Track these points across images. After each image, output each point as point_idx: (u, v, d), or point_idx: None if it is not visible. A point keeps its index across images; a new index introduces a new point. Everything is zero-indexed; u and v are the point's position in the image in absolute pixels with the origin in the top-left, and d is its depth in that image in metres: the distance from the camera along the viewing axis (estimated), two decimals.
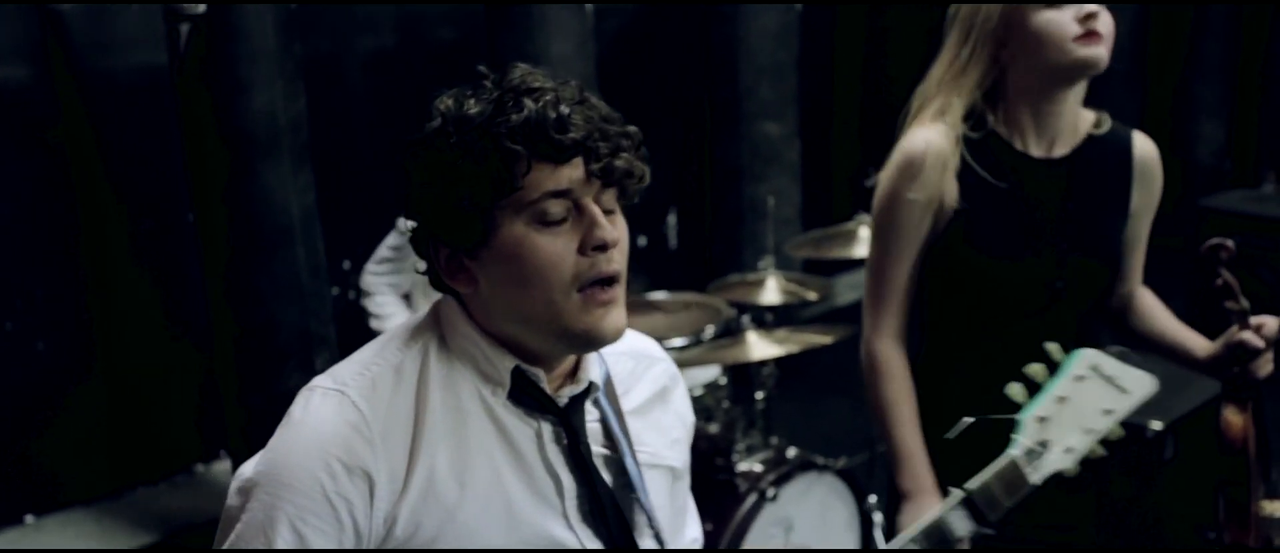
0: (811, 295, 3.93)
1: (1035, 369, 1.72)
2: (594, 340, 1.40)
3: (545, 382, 1.44)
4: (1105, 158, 2.28)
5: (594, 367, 1.49)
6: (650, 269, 6.07)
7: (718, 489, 3.50)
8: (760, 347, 3.49)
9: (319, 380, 1.42)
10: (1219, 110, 7.11)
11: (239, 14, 3.87)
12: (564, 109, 1.34)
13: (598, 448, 1.51)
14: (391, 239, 3.96)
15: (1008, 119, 2.22)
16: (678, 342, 4.18)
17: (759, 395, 3.70)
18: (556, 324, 1.38)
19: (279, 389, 4.13)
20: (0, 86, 4.42)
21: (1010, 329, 2.26)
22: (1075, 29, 2.10)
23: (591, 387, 1.48)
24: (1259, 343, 2.20)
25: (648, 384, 1.60)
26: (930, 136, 2.20)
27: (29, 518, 4.57)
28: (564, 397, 1.46)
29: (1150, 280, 2.45)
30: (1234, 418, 2.26)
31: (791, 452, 3.65)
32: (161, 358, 4.82)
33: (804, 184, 5.84)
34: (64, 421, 4.63)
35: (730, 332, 3.91)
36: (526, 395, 1.44)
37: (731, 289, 4.08)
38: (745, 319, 3.81)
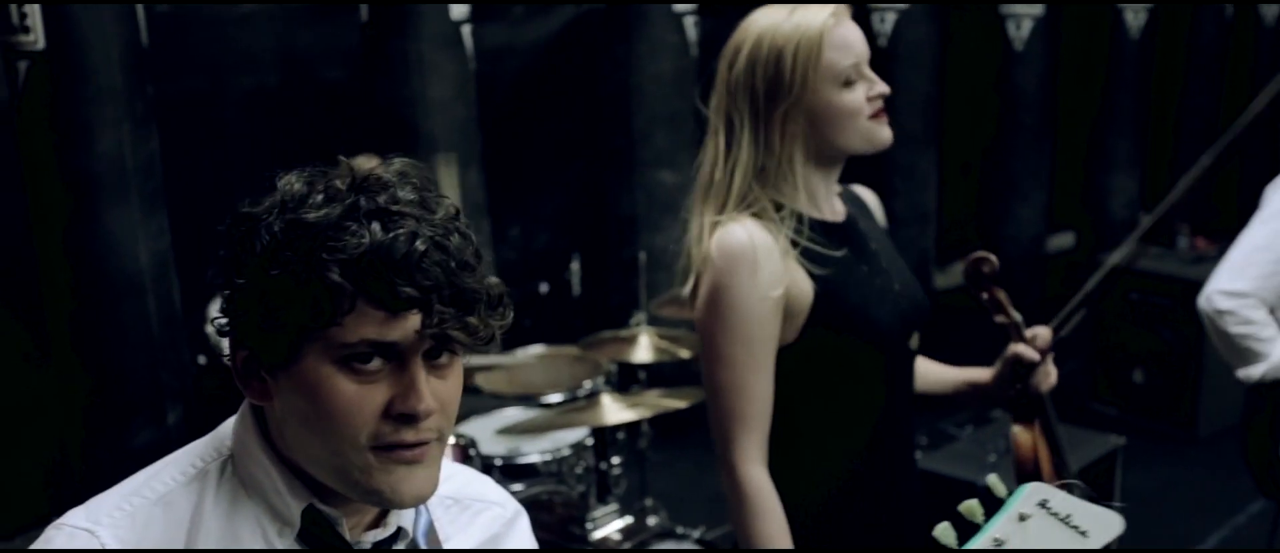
0: (685, 353, 3.79)
1: (969, 506, 1.34)
2: (386, 502, 1.20)
3: (344, 525, 1.24)
4: (858, 208, 2.23)
5: (412, 512, 1.30)
6: (554, 316, 5.91)
7: None
8: (614, 410, 3.32)
9: (70, 515, 1.22)
10: (1132, 165, 7.06)
11: (83, 52, 3.69)
12: (419, 246, 1.12)
13: None
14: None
15: (793, 191, 2.07)
16: (554, 397, 4.06)
17: (615, 460, 3.53)
18: (346, 478, 1.19)
19: (128, 445, 3.92)
20: None
21: (875, 399, 2.12)
22: (868, 109, 2.04)
23: (400, 533, 1.29)
24: (1033, 355, 2.15)
25: (475, 532, 1.41)
26: (746, 230, 2.01)
27: None
28: (367, 542, 1.26)
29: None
30: (1023, 437, 2.18)
31: (653, 520, 3.49)
32: (14, 406, 4.57)
33: None
34: None
35: (593, 392, 3.76)
36: (318, 538, 1.24)
37: (604, 346, 3.93)
38: (598, 382, 3.65)
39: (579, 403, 3.70)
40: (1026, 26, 6.36)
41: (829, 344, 2.05)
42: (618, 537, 3.36)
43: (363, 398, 1.15)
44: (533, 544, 1.51)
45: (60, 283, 3.81)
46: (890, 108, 2.11)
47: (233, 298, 1.19)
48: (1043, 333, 2.17)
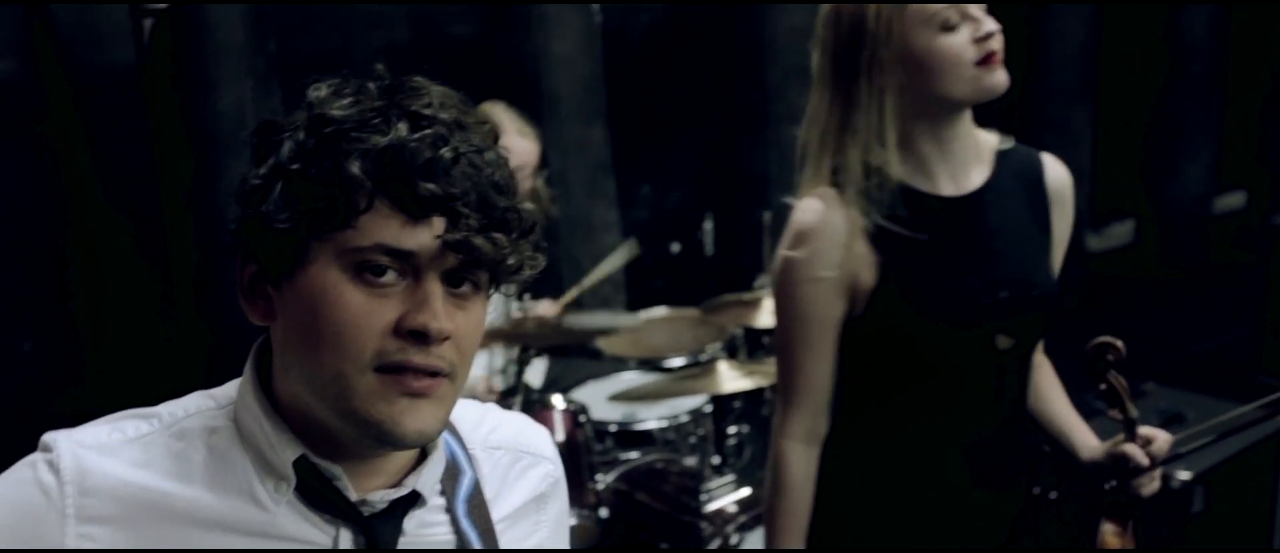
0: None
1: None
2: (384, 436, 1.07)
3: (345, 480, 1.12)
4: (1016, 183, 1.98)
5: (431, 470, 1.18)
6: (686, 276, 5.80)
7: (680, 531, 3.20)
8: (731, 377, 3.18)
9: (49, 435, 1.13)
10: None
11: (204, 9, 3.69)
12: (446, 153, 1.04)
13: None
14: None
15: (904, 159, 1.89)
16: (676, 361, 3.94)
17: (732, 430, 3.39)
18: (343, 403, 1.07)
19: None
20: None
21: (951, 396, 1.96)
22: (973, 53, 1.82)
23: (415, 496, 1.17)
24: (1143, 460, 1.91)
25: (525, 487, 1.29)
26: (822, 206, 1.88)
27: None
28: (379, 501, 1.14)
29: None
30: (1112, 539, 1.94)
31: None
32: (152, 360, 4.67)
33: None
34: (51, 424, 4.50)
35: (712, 359, 3.62)
36: (321, 496, 1.13)
37: (726, 310, 3.79)
38: (716, 348, 3.51)
39: (698, 368, 3.57)
40: None
41: (887, 328, 1.91)
42: (733, 509, 3.22)
43: (371, 310, 1.05)
44: (567, 515, 1.40)
45: (184, 239, 3.85)
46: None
47: (246, 201, 1.10)
48: (1161, 440, 1.93)
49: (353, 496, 1.13)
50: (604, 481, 3.30)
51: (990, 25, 1.83)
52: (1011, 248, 1.95)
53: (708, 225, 6.04)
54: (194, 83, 3.71)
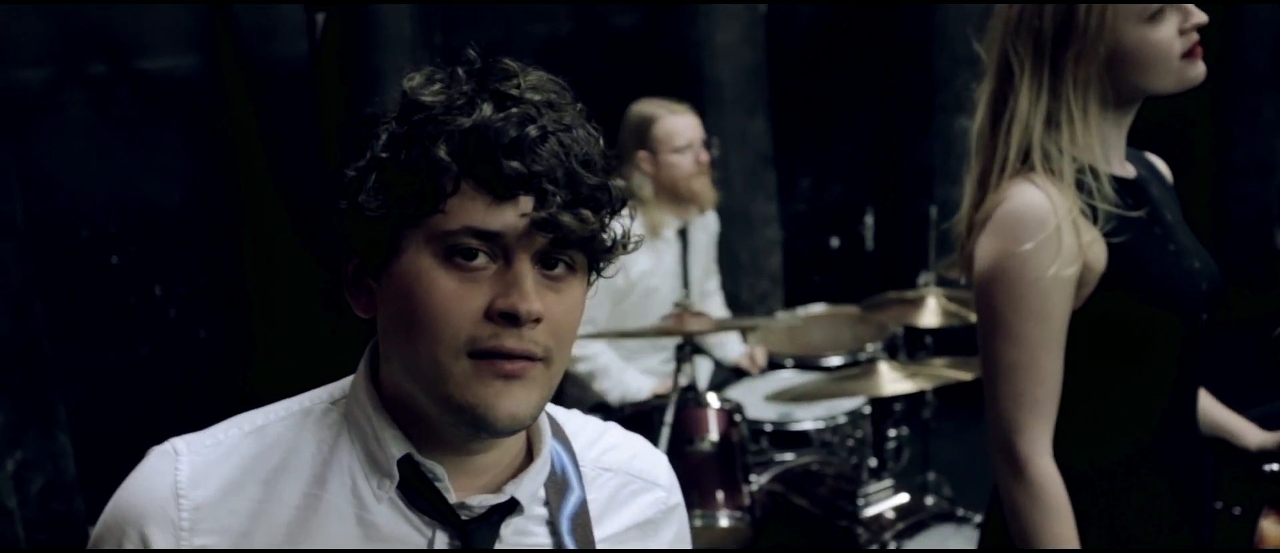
0: (976, 319, 3.49)
1: None
2: (478, 421, 1.07)
3: (446, 480, 1.13)
4: (1146, 169, 1.95)
5: (532, 479, 1.18)
6: (845, 271, 5.69)
7: (836, 536, 3.13)
8: (892, 379, 3.09)
9: (181, 436, 1.19)
10: None
11: (374, 4, 3.76)
12: (532, 130, 1.05)
13: None
14: None
15: (1087, 143, 1.83)
16: (834, 360, 3.87)
17: (893, 432, 3.29)
18: (439, 389, 1.07)
19: None
20: (172, 75, 4.47)
21: (1163, 382, 1.89)
22: (1180, 46, 1.76)
23: (513, 504, 1.17)
24: None
25: (632, 511, 1.28)
26: (1038, 193, 1.79)
27: None
28: (478, 506, 1.14)
29: None
30: (1273, 530, 1.85)
31: (931, 499, 3.24)
32: (319, 349, 4.81)
33: None
34: (224, 407, 4.67)
35: (871, 359, 3.53)
36: (422, 496, 1.14)
37: (888, 308, 3.69)
38: (876, 347, 3.41)
39: (857, 368, 3.49)
40: None
41: (1118, 312, 1.81)
42: (891, 515, 3.14)
43: (463, 296, 1.06)
44: (687, 543, 1.37)
45: None
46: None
47: (344, 194, 1.12)
48: None
49: (452, 498, 1.13)
50: (758, 482, 3.26)
51: (1199, 16, 1.76)
52: (1184, 230, 1.91)
53: (868, 220, 5.91)
54: (362, 76, 3.79)
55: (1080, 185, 1.81)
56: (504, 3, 4.83)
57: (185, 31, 4.46)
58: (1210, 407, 2.04)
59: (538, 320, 1.07)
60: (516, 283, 1.06)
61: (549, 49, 5.01)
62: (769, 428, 3.48)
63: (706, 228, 3.90)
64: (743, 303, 4.67)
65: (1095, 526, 1.88)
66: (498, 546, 1.16)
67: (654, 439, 2.96)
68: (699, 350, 3.66)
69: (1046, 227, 1.76)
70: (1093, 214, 1.79)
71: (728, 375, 3.90)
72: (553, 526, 1.20)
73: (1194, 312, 1.85)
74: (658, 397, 3.28)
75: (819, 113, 5.40)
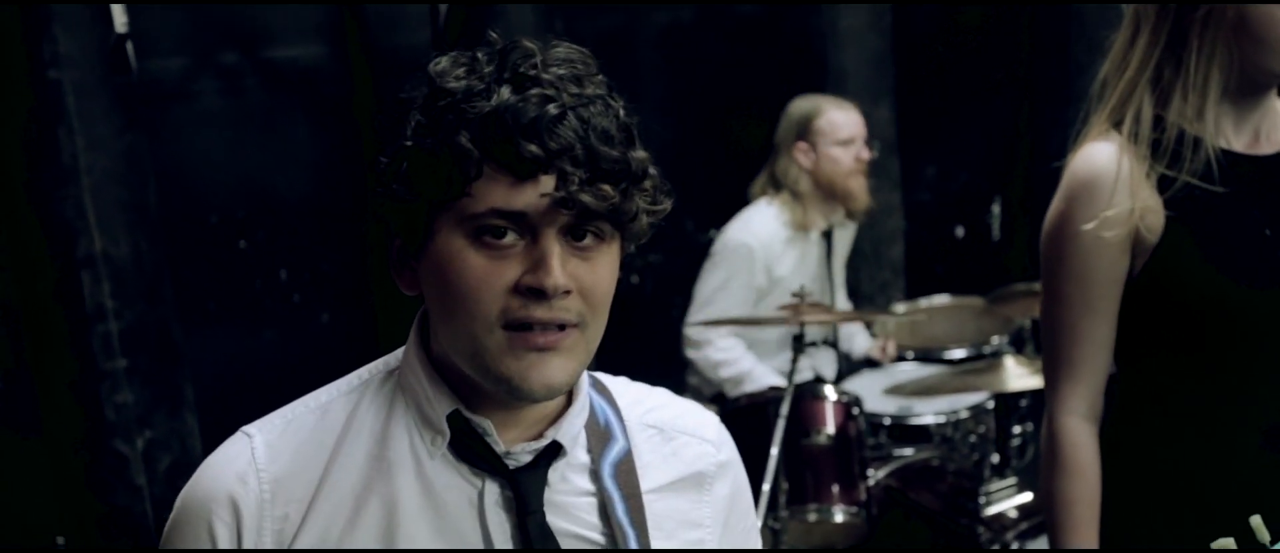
0: None
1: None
2: (516, 391, 1.14)
3: (495, 434, 1.20)
4: None
5: (571, 422, 1.23)
6: (970, 262, 5.54)
7: (956, 535, 3.04)
8: (1017, 374, 2.98)
9: (254, 422, 1.27)
10: None
11: None
12: (551, 110, 1.08)
13: (587, 533, 1.24)
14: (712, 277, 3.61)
15: (1198, 113, 1.73)
16: (957, 353, 3.76)
17: (1015, 430, 3.18)
18: (478, 361, 1.14)
19: None
20: (299, 63, 4.56)
21: (1244, 370, 1.77)
22: None
23: (557, 449, 1.22)
24: None
25: (679, 464, 1.31)
26: (1107, 151, 1.75)
27: None
28: (522, 454, 1.21)
29: None
30: None
31: None
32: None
33: None
34: None
35: (996, 353, 3.42)
36: (470, 449, 1.20)
37: (1015, 300, 3.56)
38: (1002, 341, 3.30)
39: (981, 362, 3.38)
40: None
41: (1174, 286, 1.74)
42: (1013, 515, 3.04)
43: (492, 273, 1.11)
44: (748, 500, 1.39)
45: None
46: None
47: (379, 180, 1.18)
48: None
49: (500, 448, 1.20)
50: (875, 476, 3.17)
51: None
52: None
53: (996, 209, 5.74)
54: None
55: (1168, 151, 1.73)
56: None
57: (314, 21, 4.55)
58: None
59: (568, 292, 1.12)
60: (543, 259, 1.10)
61: (670, 37, 4.97)
62: (888, 422, 3.39)
63: (847, 236, 3.82)
64: (863, 293, 4.57)
65: (1138, 516, 1.85)
66: (547, 493, 1.22)
67: (769, 431, 2.90)
68: (825, 342, 3.58)
69: (1098, 185, 1.74)
70: (1165, 183, 1.73)
71: (849, 368, 3.81)
72: (595, 473, 1.25)
73: (1261, 299, 1.73)
74: (774, 389, 3.21)
75: (946, 100, 5.25)
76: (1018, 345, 3.50)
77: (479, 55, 1.14)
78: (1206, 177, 1.73)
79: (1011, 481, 3.08)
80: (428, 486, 1.20)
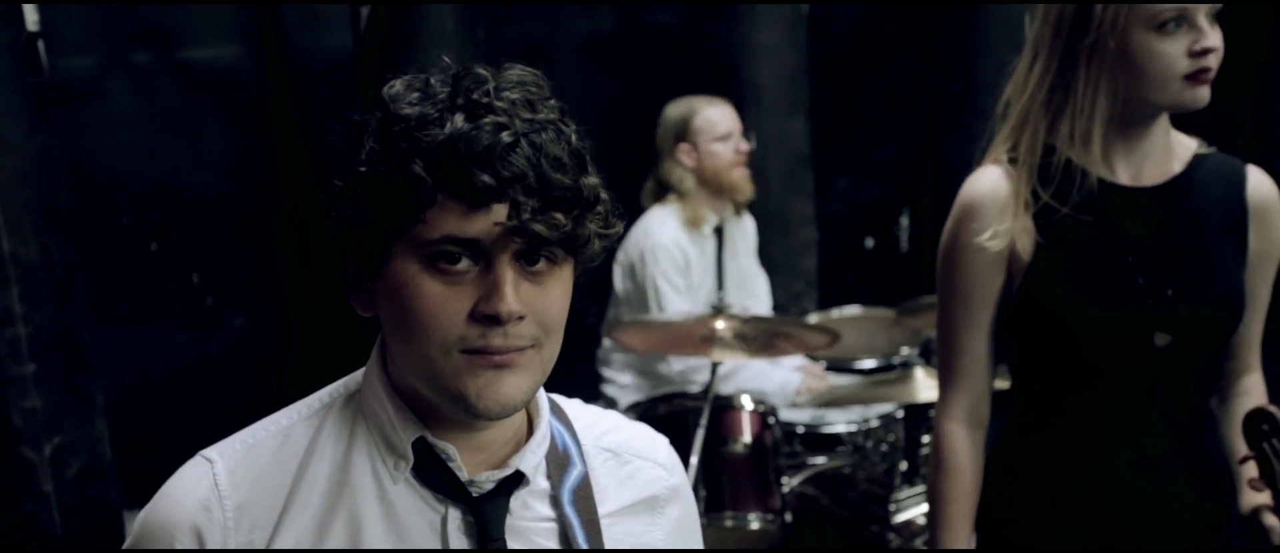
0: None
1: None
2: (472, 409, 1.14)
3: (459, 460, 1.20)
4: (1209, 188, 1.89)
5: (533, 451, 1.25)
6: (879, 273, 5.66)
7: (867, 541, 3.12)
8: (927, 385, 3.07)
9: (211, 447, 1.25)
10: None
11: None
12: (505, 137, 1.09)
13: None
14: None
15: (1084, 141, 1.83)
16: (867, 363, 3.85)
17: (925, 439, 3.27)
18: (435, 383, 1.15)
19: None
20: (214, 64, 4.52)
21: (1110, 388, 1.89)
22: (1185, 66, 1.75)
23: (519, 478, 1.23)
24: (1276, 541, 1.81)
25: (634, 488, 1.34)
26: (993, 176, 1.89)
27: None
28: (486, 482, 1.21)
29: None
30: None
31: None
32: (353, 339, 4.83)
33: None
34: (259, 394, 4.71)
35: (906, 364, 3.51)
36: (434, 474, 1.21)
37: (924, 312, 3.66)
38: (912, 353, 3.40)
39: (892, 372, 3.47)
40: None
41: (1040, 306, 1.87)
42: (922, 521, 3.12)
43: (449, 299, 1.12)
44: (696, 522, 1.42)
45: None
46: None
47: (334, 203, 1.18)
48: None
49: (464, 475, 1.20)
50: (790, 484, 3.25)
51: (1211, 40, 1.75)
52: (1188, 247, 1.87)
53: (904, 221, 5.86)
54: (404, 69, 3.78)
55: (1054, 179, 1.84)
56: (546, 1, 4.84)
57: (229, 22, 4.51)
58: (1238, 449, 1.96)
59: (522, 318, 1.13)
60: (496, 286, 1.11)
61: (590, 45, 5.01)
62: (801, 430, 3.47)
63: (745, 233, 3.90)
64: (778, 303, 4.65)
65: (1010, 520, 1.99)
66: (508, 520, 1.23)
67: (689, 441, 2.96)
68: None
69: (979, 208, 1.88)
70: (1043, 210, 1.85)
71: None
72: (555, 499, 1.26)
73: (1114, 327, 1.85)
74: (691, 398, 3.27)
75: (858, 114, 5.37)
76: (927, 357, 3.61)
77: (432, 81, 1.16)
78: (1083, 206, 1.84)
79: (920, 488, 3.17)
80: (390, 510, 1.20)
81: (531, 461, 1.24)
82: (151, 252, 4.46)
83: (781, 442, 3.30)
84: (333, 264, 4.16)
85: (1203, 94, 1.78)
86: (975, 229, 1.88)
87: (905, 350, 3.84)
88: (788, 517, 3.16)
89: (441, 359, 1.13)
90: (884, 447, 3.37)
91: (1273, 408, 1.78)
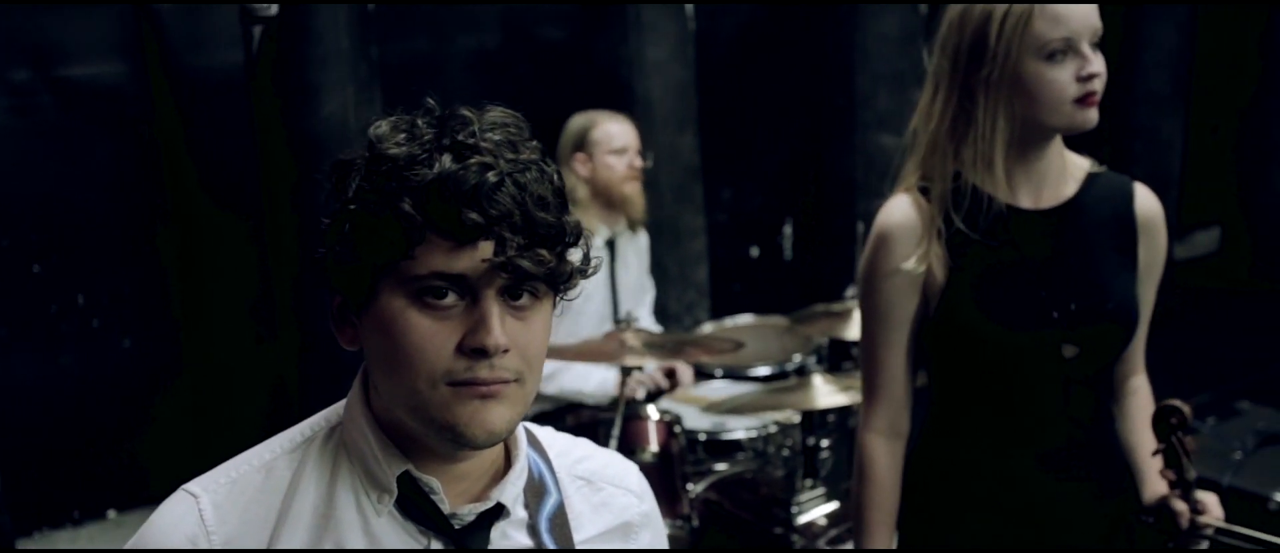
0: None
1: None
2: (460, 439, 1.18)
3: (442, 493, 1.24)
4: (1102, 207, 2.04)
5: (513, 484, 1.29)
6: (764, 281, 5.81)
7: (772, 543, 3.23)
8: (827, 392, 3.20)
9: (193, 481, 1.27)
10: None
11: (311, 15, 3.77)
12: (491, 177, 1.13)
13: None
14: None
15: (987, 165, 1.97)
16: (761, 370, 3.96)
17: (825, 443, 3.40)
18: (421, 414, 1.18)
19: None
20: (96, 82, 4.42)
21: (1020, 400, 2.04)
22: (1074, 90, 1.90)
23: (500, 509, 1.27)
24: (1183, 523, 1.94)
25: (608, 515, 1.39)
26: (904, 205, 2.01)
27: (111, 513, 4.59)
28: (468, 515, 1.25)
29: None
30: None
31: None
32: (245, 359, 4.79)
33: None
34: (150, 417, 4.64)
35: (801, 371, 3.64)
36: (417, 508, 1.24)
37: (816, 320, 3.80)
38: (810, 361, 3.52)
39: (789, 379, 3.59)
40: None
41: (955, 327, 2.01)
42: (823, 522, 3.25)
43: (436, 333, 1.15)
44: (665, 545, 1.49)
45: (286, 244, 3.93)
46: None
47: (323, 239, 1.21)
48: (1212, 511, 1.96)
49: (447, 508, 1.24)
50: (695, 490, 3.34)
51: (1095, 66, 1.90)
52: (1086, 264, 2.01)
53: (787, 230, 6.03)
54: (299, 88, 3.79)
55: (963, 207, 1.97)
56: (436, 3, 4.85)
57: (111, 39, 4.42)
58: (1141, 446, 2.13)
59: (507, 351, 1.17)
60: (483, 321, 1.15)
61: (477, 61, 5.05)
62: (703, 438, 3.56)
63: (637, 247, 3.98)
64: (671, 314, 4.76)
65: (928, 513, 2.13)
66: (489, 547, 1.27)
67: None
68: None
69: (893, 237, 2.00)
70: (954, 236, 1.98)
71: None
72: (533, 528, 1.30)
73: (1025, 342, 1.98)
74: (603, 409, 3.34)
75: (745, 128, 5.51)
76: (820, 362, 3.74)
77: (418, 122, 1.19)
78: (990, 231, 1.98)
79: (820, 490, 3.30)
80: (375, 543, 1.23)
81: (511, 492, 1.28)
82: (34, 274, 4.35)
83: (686, 450, 3.39)
84: (219, 280, 4.16)
85: (1092, 115, 1.92)
86: (890, 257, 2.00)
87: (797, 357, 3.97)
88: (695, 522, 3.25)
89: (428, 391, 1.16)
90: (785, 452, 3.49)
91: (1180, 403, 1.93)
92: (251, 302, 4.77)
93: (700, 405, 3.57)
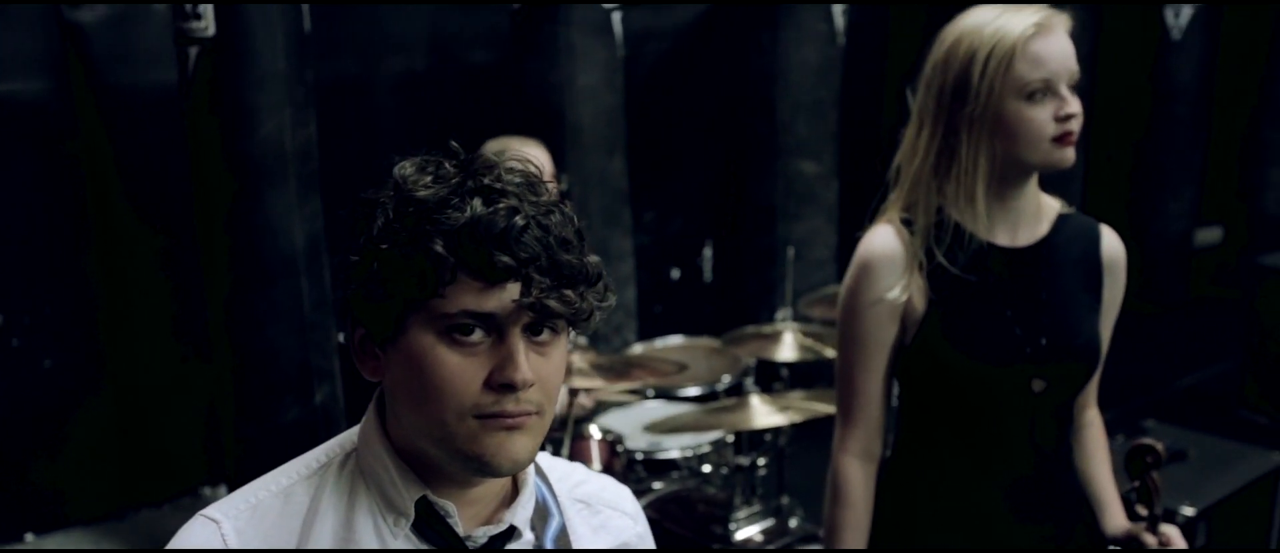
0: (830, 353, 3.75)
1: None
2: (486, 468, 1.23)
3: (457, 516, 1.29)
4: (1072, 247, 2.13)
5: (524, 506, 1.34)
6: (685, 302, 5.91)
7: None
8: (763, 413, 3.30)
9: (212, 507, 1.30)
10: None
11: (248, 38, 3.77)
12: (519, 221, 1.17)
13: None
14: None
15: (969, 200, 2.05)
16: (692, 390, 4.05)
17: (762, 462, 3.51)
18: (448, 445, 1.22)
19: (276, 422, 4.03)
20: (18, 98, 4.36)
21: (989, 431, 2.12)
22: (1053, 129, 1.98)
23: (512, 531, 1.33)
24: None
25: (608, 537, 1.44)
26: (886, 236, 2.08)
27: (29, 537, 4.51)
28: (481, 537, 1.30)
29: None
30: None
31: (795, 520, 3.47)
32: (170, 378, 4.75)
33: (841, 226, 5.62)
34: (70, 438, 4.57)
35: (737, 391, 3.74)
36: (433, 530, 1.29)
37: (746, 341, 3.91)
38: (749, 382, 3.63)
39: (721, 399, 3.69)
40: (1186, 14, 6.13)
41: (930, 358, 2.08)
42: (760, 537, 3.35)
43: (464, 368, 1.20)
44: None
45: (219, 263, 3.92)
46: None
47: (349, 276, 1.25)
48: (1176, 539, 2.07)
49: (461, 530, 1.28)
50: None
51: (1073, 106, 1.99)
52: (1057, 301, 2.09)
53: (707, 252, 6.14)
54: (236, 109, 3.79)
55: (946, 241, 2.05)
56: (367, 25, 4.87)
57: (34, 56, 4.36)
58: (1100, 478, 2.23)
59: (531, 384, 1.21)
60: (511, 356, 1.20)
61: (404, 84, 5.08)
62: (641, 457, 3.63)
63: None
64: (600, 334, 4.83)
65: (896, 533, 2.18)
66: None
67: None
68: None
69: (875, 267, 2.07)
70: (934, 270, 2.06)
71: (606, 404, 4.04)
72: (540, 549, 1.35)
73: (998, 376, 2.07)
74: (551, 430, 3.40)
75: (670, 153, 5.63)
76: (757, 383, 3.83)
77: (445, 165, 1.23)
78: (969, 266, 2.06)
79: (757, 507, 3.41)
80: None
81: (522, 515, 1.33)
82: None
83: (627, 469, 3.46)
84: (145, 299, 4.16)
85: (1069, 154, 2.00)
86: (874, 286, 2.07)
87: (727, 378, 4.07)
88: None
89: (456, 424, 1.21)
90: (725, 470, 3.58)
91: (1154, 442, 2.06)
92: (177, 321, 4.73)
93: (642, 425, 3.65)
